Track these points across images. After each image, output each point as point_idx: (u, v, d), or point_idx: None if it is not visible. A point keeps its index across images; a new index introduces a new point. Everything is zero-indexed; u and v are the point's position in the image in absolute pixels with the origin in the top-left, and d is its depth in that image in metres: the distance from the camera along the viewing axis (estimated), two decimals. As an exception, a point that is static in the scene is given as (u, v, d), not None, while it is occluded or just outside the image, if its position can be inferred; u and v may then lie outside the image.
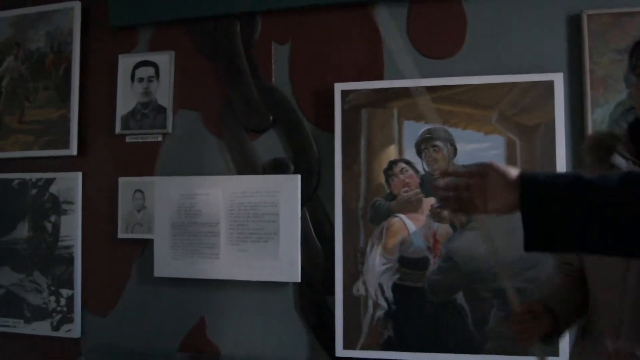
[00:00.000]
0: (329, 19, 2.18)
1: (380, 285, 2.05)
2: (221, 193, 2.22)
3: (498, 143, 1.97)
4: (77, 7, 2.46)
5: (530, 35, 1.99)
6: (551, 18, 1.98)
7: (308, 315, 2.15)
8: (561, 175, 1.02)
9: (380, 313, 2.05)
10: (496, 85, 1.97)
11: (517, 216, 0.98)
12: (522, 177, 1.00)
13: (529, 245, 0.98)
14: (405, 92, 2.04)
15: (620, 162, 1.24)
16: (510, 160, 1.95)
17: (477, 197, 1.07)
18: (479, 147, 1.99)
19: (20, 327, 2.49)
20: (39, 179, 2.49)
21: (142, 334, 2.33)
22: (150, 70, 2.35)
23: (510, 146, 1.96)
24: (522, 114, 1.95)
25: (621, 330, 1.23)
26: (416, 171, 2.03)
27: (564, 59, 1.98)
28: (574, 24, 1.96)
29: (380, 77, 2.10)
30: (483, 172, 1.06)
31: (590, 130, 1.89)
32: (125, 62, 2.39)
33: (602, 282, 1.31)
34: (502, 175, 1.02)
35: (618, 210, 0.92)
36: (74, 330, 2.41)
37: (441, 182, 1.16)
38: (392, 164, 2.06)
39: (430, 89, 2.01)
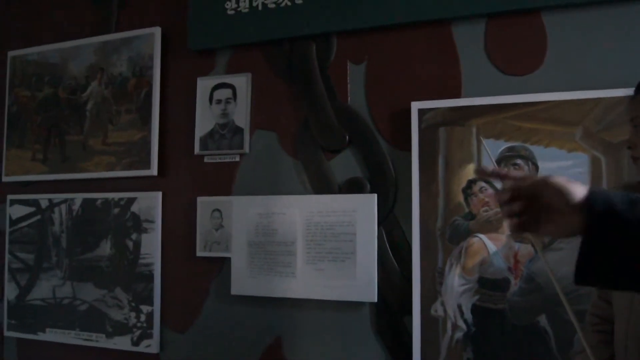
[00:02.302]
0: (404, 37, 2.18)
1: (459, 307, 2.01)
2: (298, 212, 2.24)
3: (582, 161, 1.90)
4: (158, 33, 2.55)
5: (615, 48, 1.92)
6: (636, 30, 1.91)
7: (385, 336, 2.13)
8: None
9: (459, 335, 2.00)
10: (580, 101, 1.91)
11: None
12: (590, 199, 0.82)
13: (583, 279, 0.83)
14: (484, 109, 2.01)
15: None
16: (596, 179, 1.88)
17: (528, 216, 0.90)
18: (561, 165, 1.93)
19: (102, 342, 2.58)
20: (121, 199, 2.58)
21: (220, 351, 2.37)
22: (227, 92, 2.41)
23: (595, 164, 1.89)
24: (608, 130, 1.88)
25: None
26: (496, 190, 1.99)
27: (652, 73, 1.90)
28: (662, 37, 1.89)
29: (458, 95, 2.08)
30: (534, 191, 0.89)
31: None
32: (204, 85, 2.46)
33: (617, 314, 1.32)
34: (563, 195, 0.84)
35: None
36: (153, 345, 2.47)
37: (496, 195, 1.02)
38: (471, 182, 2.02)
39: (510, 106, 1.97)
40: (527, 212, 0.90)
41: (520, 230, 0.93)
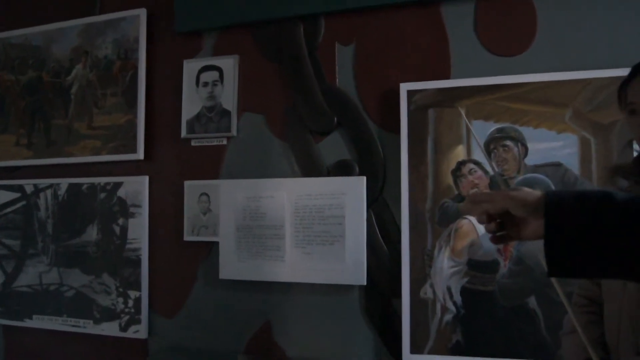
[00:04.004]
0: (393, 18, 2.15)
1: (449, 289, 2.00)
2: (286, 195, 2.22)
3: (571, 142, 1.90)
4: (143, 15, 2.51)
5: (605, 28, 1.91)
6: (628, 9, 1.89)
7: (374, 319, 2.13)
8: (590, 196, 0.91)
9: (448, 317, 2.00)
10: (569, 82, 1.90)
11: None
12: (545, 202, 0.91)
13: (554, 272, 0.91)
14: (473, 90, 1.99)
15: (622, 182, 1.31)
16: (585, 160, 1.88)
17: (509, 228, 1.00)
18: (551, 146, 1.92)
19: (90, 328, 2.56)
20: (107, 183, 2.55)
21: (208, 335, 2.36)
22: (214, 75, 2.38)
23: (584, 145, 1.88)
24: (598, 111, 1.87)
25: (619, 342, 1.26)
26: (485, 172, 1.98)
27: (642, 53, 1.89)
28: (653, 15, 1.88)
29: (447, 76, 2.06)
30: (502, 206, 0.96)
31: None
32: (190, 67, 2.42)
33: (608, 293, 1.33)
34: (521, 205, 0.93)
35: None
36: (141, 331, 2.45)
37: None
38: (461, 164, 2.01)
39: (500, 87, 1.96)
40: (506, 224, 1.01)
41: (503, 242, 1.05)
